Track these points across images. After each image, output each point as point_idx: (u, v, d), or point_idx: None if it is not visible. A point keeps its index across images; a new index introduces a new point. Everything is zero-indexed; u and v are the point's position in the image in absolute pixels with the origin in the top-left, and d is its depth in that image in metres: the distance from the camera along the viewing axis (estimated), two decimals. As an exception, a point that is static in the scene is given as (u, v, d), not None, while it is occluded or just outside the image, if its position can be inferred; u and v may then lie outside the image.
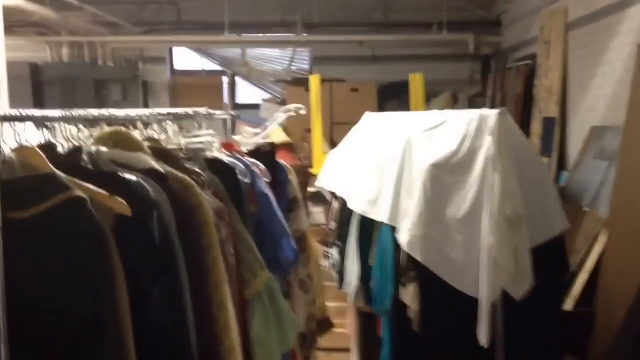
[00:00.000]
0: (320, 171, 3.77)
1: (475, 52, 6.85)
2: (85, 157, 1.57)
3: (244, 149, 2.25)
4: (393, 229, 2.57)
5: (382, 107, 6.45)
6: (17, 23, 6.21)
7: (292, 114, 2.79)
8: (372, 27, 7.00)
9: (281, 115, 2.75)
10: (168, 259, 1.49)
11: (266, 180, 2.11)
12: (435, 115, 2.70)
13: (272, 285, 1.86)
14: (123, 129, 1.78)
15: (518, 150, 2.43)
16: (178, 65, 7.53)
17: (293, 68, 7.38)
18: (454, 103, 6.52)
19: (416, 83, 5.24)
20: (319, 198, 4.53)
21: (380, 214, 2.67)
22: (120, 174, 1.47)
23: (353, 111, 6.23)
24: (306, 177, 5.01)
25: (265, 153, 2.22)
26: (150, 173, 1.63)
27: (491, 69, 6.71)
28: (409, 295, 2.54)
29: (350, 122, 6.15)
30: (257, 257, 1.86)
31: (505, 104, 5.77)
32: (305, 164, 5.58)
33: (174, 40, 6.99)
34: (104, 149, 1.69)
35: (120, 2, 6.87)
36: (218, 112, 2.33)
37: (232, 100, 7.38)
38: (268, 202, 2.02)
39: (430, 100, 6.31)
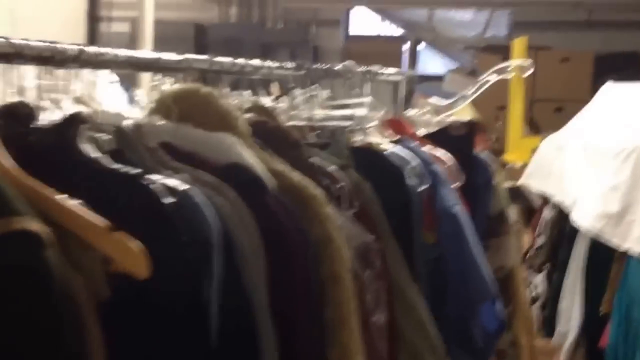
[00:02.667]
0: (516, 159, 3.31)
1: None
2: (105, 136, 0.80)
3: (422, 132, 1.38)
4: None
5: (598, 83, 5.37)
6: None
7: (508, 76, 1.91)
8: (591, -15, 6.09)
9: (491, 77, 1.84)
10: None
11: (456, 185, 1.24)
12: None
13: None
14: (205, 88, 0.99)
15: None
16: (353, 30, 7.01)
17: (487, 35, 6.64)
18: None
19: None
20: (516, 195, 3.59)
21: (628, 240, 1.95)
22: (142, 179, 0.68)
23: (561, 86, 5.27)
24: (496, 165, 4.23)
25: (456, 139, 1.32)
26: (231, 173, 0.84)
27: None
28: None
29: (556, 100, 5.22)
30: (432, 336, 1.01)
31: None
32: (495, 149, 4.75)
33: (352, -1, 6.50)
34: (160, 122, 0.93)
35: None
36: (386, 72, 1.49)
37: (412, 70, 6.65)
38: (458, 229, 1.15)
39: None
